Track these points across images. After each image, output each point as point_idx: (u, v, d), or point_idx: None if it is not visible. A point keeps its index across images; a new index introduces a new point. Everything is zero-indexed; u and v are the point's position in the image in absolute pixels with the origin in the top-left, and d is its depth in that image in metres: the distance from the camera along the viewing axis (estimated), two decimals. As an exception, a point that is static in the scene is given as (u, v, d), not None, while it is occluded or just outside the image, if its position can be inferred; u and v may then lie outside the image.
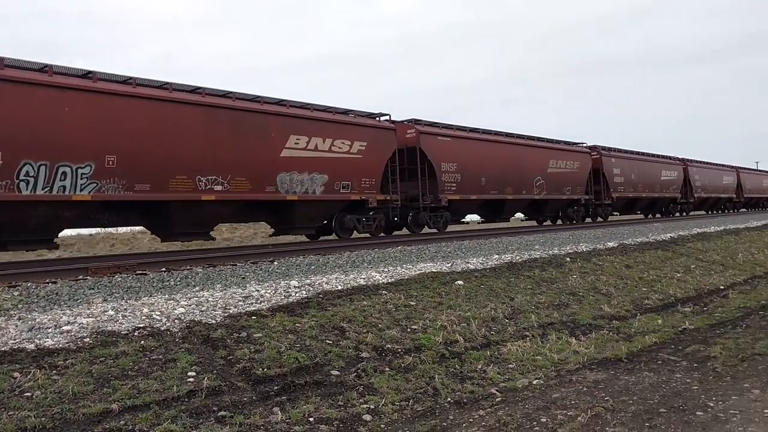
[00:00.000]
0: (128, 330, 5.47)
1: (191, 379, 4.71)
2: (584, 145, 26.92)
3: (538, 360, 6.15)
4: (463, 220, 21.31)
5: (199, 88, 12.74)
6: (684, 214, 35.03)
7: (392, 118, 17.59)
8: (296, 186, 14.07)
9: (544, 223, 25.48)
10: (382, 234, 17.42)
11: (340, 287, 7.70)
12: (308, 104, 15.02)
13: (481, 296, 8.20)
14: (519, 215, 25.26)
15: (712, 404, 4.66)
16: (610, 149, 28.46)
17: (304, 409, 4.56)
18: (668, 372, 5.70)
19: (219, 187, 12.54)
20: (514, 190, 21.40)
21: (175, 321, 5.83)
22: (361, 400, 4.85)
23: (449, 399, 5.05)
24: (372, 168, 16.12)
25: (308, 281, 7.98)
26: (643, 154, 31.38)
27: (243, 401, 4.59)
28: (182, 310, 6.22)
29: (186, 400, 4.45)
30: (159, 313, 6.03)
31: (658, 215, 33.63)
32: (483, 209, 21.99)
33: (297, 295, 7.17)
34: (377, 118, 17.05)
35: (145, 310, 6.10)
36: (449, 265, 10.00)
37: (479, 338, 6.68)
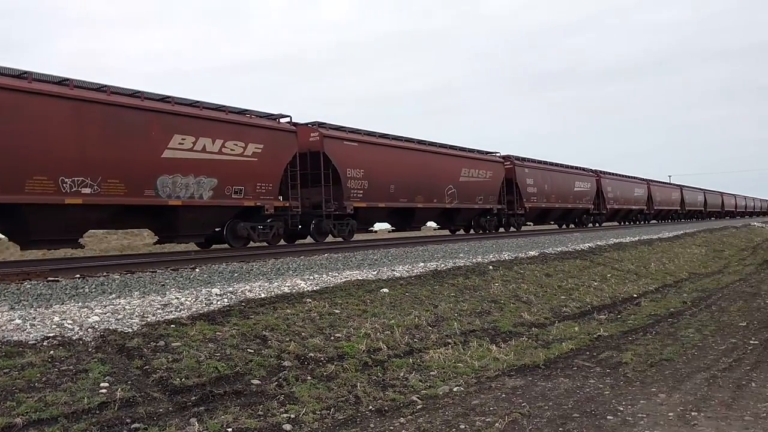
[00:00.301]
0: (36, 340, 5.22)
1: (103, 391, 4.54)
2: (498, 154, 26.81)
3: (459, 367, 6.24)
4: (371, 228, 20.76)
5: (68, 79, 11.61)
6: (597, 225, 35.99)
7: (294, 120, 16.66)
8: (180, 190, 12.99)
9: (457, 233, 25.53)
10: (283, 242, 16.96)
11: (263, 295, 7.59)
12: (198, 102, 14.00)
13: (405, 304, 8.26)
14: (431, 224, 25.20)
15: (621, 408, 4.85)
16: (523, 159, 28.60)
17: (222, 420, 4.47)
18: (583, 378, 5.89)
19: (87, 190, 11.34)
20: (425, 199, 21.04)
21: (89, 330, 5.60)
22: (281, 410, 4.79)
23: (371, 407, 5.05)
24: (269, 172, 15.19)
25: (230, 289, 7.83)
26: (556, 165, 31.90)
27: (159, 412, 4.45)
28: (96, 318, 5.98)
29: (97, 412, 4.28)
30: (71, 322, 5.78)
31: (571, 225, 34.32)
32: (393, 217, 21.55)
33: (218, 303, 7.03)
34: (277, 120, 16.09)
35: (56, 319, 5.84)
36: (375, 272, 10.04)
37: (402, 346, 6.72)
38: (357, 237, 19.92)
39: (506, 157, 27.42)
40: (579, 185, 33.42)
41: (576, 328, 8.33)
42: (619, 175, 40.22)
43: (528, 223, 30.70)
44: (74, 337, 5.37)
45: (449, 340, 7.14)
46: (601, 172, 36.79)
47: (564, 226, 33.98)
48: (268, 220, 15.52)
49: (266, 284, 8.39)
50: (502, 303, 9.34)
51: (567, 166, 33.12)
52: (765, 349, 6.95)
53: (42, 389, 4.44)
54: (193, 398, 4.73)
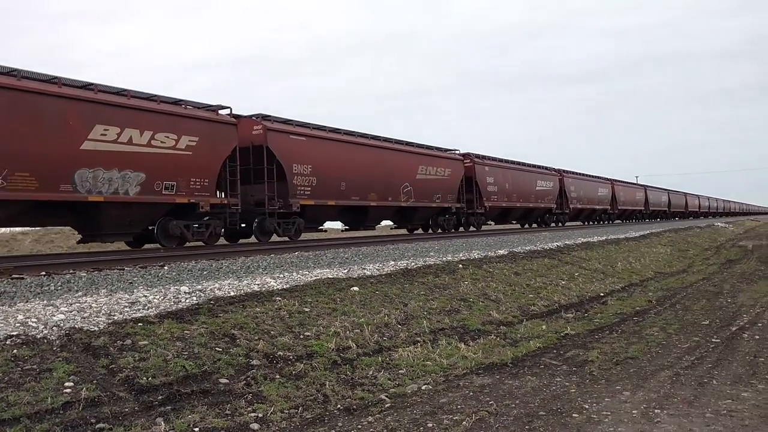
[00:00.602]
0: (-1, 338, 5.12)
1: (68, 390, 4.47)
2: (457, 152, 26.34)
3: (428, 365, 6.28)
4: (321, 228, 20.06)
5: None
6: (560, 224, 35.90)
7: (235, 112, 16.01)
8: (102, 185, 12.20)
9: (415, 232, 25.11)
10: (232, 241, 16.79)
11: (232, 293, 7.54)
12: (126, 90, 13.23)
13: (375, 302, 8.27)
14: (387, 223, 24.88)
15: (587, 406, 4.93)
16: (484, 157, 28.19)
17: (189, 419, 4.44)
18: (549, 376, 5.97)
19: (-10, 184, 10.40)
20: (379, 197, 20.43)
21: (54, 328, 5.51)
22: (249, 409, 4.78)
23: (339, 406, 5.06)
24: (205, 167, 14.40)
25: (199, 287, 7.77)
26: (518, 163, 31.67)
27: (124, 412, 4.41)
28: (62, 316, 5.89)
29: (61, 412, 4.22)
30: (35, 320, 5.69)
31: (534, 225, 34.25)
32: (344, 216, 20.88)
33: (187, 301, 6.97)
34: (215, 111, 15.34)
35: (20, 317, 5.74)
36: (346, 271, 10.04)
37: (372, 344, 6.74)
38: (307, 236, 19.41)
39: (466, 155, 26.93)
40: (541, 184, 33.26)
41: (544, 327, 8.44)
42: (583, 175, 40.30)
43: (489, 222, 30.42)
44: (38, 336, 5.29)
45: (418, 339, 7.18)
46: (564, 171, 36.76)
47: (527, 226, 33.85)
48: (205, 218, 14.83)
49: (236, 282, 8.34)
50: (472, 301, 9.41)
51: (529, 165, 32.97)
52: (726, 347, 7.11)
53: (4, 389, 4.36)
54: (160, 397, 4.69)
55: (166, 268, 9.55)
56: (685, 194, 71.21)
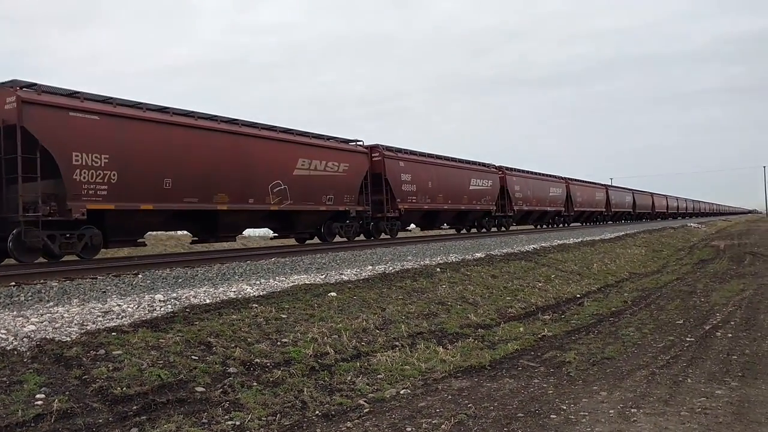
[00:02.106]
0: (-32, 351, 5.00)
1: (39, 402, 4.39)
2: (361, 143, 21.52)
3: (406, 370, 6.26)
4: (140, 239, 14.44)
5: None
6: (503, 228, 31.68)
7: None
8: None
9: (307, 242, 20.42)
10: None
11: (208, 301, 7.47)
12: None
13: (353, 307, 8.24)
14: (260, 232, 21.89)
15: (564, 407, 4.95)
16: (398, 150, 23.33)
17: (165, 429, 4.37)
18: (527, 378, 5.99)
19: None
20: (234, 198, 15.49)
21: (24, 339, 5.40)
22: (226, 417, 4.72)
23: (317, 412, 5.02)
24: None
25: (174, 295, 7.67)
26: (445, 158, 27.18)
27: (98, 423, 4.33)
28: (32, 327, 5.77)
29: (32, 425, 4.13)
30: (5, 332, 5.56)
31: (473, 230, 30.50)
32: (179, 222, 15.82)
33: (162, 309, 6.88)
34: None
35: (-11, 329, 5.61)
36: (323, 276, 9.99)
37: (350, 350, 6.71)
38: (113, 254, 15.48)
39: (373, 147, 22.11)
40: (477, 183, 28.78)
41: (521, 329, 8.47)
42: (530, 173, 35.90)
43: (408, 228, 26.16)
44: (8, 348, 5.17)
45: (397, 343, 7.17)
46: (507, 168, 32.58)
47: (463, 231, 30.26)
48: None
49: (211, 290, 8.26)
50: (449, 305, 9.42)
51: (461, 161, 28.32)
52: (700, 346, 7.20)
53: (-27, 402, 4.25)
54: (135, 408, 4.62)
55: (140, 276, 9.42)
56: (652, 194, 67.60)
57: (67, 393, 4.60)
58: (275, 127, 17.77)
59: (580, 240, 22.01)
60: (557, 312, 10.12)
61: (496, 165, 31.95)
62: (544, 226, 38.01)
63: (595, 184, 50.32)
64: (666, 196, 73.37)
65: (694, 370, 6.08)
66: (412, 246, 16.82)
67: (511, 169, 33.24)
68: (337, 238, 20.61)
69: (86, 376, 4.92)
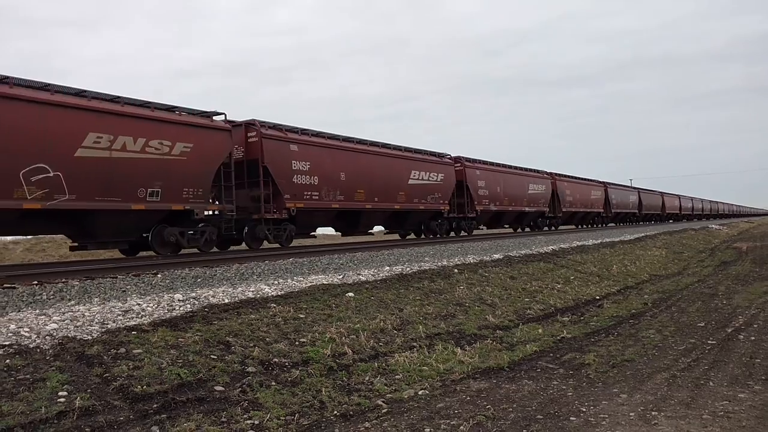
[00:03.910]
0: (-9, 348, 5.07)
1: (62, 399, 4.43)
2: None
3: (424, 370, 6.25)
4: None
5: None
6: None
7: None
8: None
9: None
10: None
11: (227, 300, 7.51)
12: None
13: (371, 308, 8.25)
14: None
15: (584, 409, 4.91)
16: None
17: (184, 427, 4.40)
18: (546, 379, 5.95)
19: None
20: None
21: (47, 338, 5.47)
22: (245, 416, 4.74)
23: (335, 412, 5.03)
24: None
25: (193, 294, 7.73)
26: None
27: (119, 421, 4.36)
28: (55, 325, 5.84)
29: (55, 421, 4.17)
30: (28, 330, 5.64)
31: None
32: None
33: (181, 308, 6.93)
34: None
35: (12, 327, 5.69)
36: (341, 277, 10.01)
37: (368, 350, 6.71)
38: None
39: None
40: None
41: (540, 330, 8.42)
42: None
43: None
44: (31, 345, 5.24)
45: (414, 344, 7.15)
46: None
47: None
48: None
49: (230, 289, 8.31)
50: (467, 306, 9.39)
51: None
52: (722, 349, 7.11)
53: (-3, 399, 4.31)
54: (155, 406, 4.65)
55: (159, 276, 9.50)
56: (662, 194, 64.73)
57: (88, 391, 4.64)
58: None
59: (599, 241, 21.83)
60: (576, 314, 10.05)
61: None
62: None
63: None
64: (679, 196, 70.72)
65: (716, 373, 6.00)
66: (430, 247, 16.79)
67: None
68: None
69: (107, 374, 4.96)
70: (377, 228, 23.66)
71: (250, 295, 7.96)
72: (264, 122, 16.91)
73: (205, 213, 15.03)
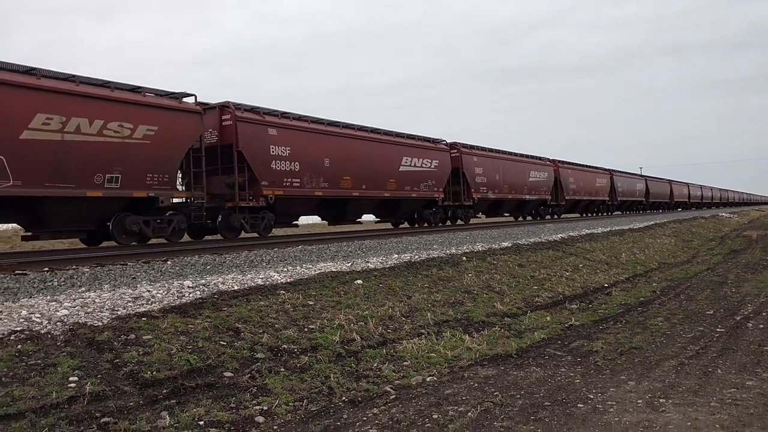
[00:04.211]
0: (3, 334, 5.12)
1: (72, 385, 4.48)
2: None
3: (432, 357, 6.27)
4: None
5: None
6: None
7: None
8: None
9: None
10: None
11: (236, 287, 7.54)
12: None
13: (379, 295, 8.27)
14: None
15: (592, 396, 4.92)
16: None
17: (194, 413, 4.44)
18: (554, 366, 5.96)
19: None
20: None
21: (57, 324, 5.52)
22: (254, 402, 4.78)
23: (344, 398, 5.06)
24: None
25: (203, 281, 7.77)
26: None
27: (129, 406, 4.40)
28: (65, 312, 5.90)
29: (66, 406, 4.22)
30: (39, 316, 5.69)
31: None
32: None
33: (191, 295, 6.97)
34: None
35: (24, 312, 5.74)
36: (349, 264, 10.03)
37: (376, 336, 6.74)
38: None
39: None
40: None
41: (548, 318, 8.42)
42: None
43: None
44: (42, 331, 5.29)
45: (422, 331, 7.17)
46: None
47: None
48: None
49: (239, 276, 8.34)
50: (476, 293, 9.40)
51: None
52: (731, 336, 7.09)
53: (9, 384, 4.36)
54: (165, 391, 4.69)
55: (169, 263, 9.55)
56: (670, 182, 62.92)
57: (99, 376, 4.69)
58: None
59: (608, 230, 21.75)
60: (585, 301, 10.04)
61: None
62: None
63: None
64: (688, 184, 69.64)
65: (725, 361, 5.99)
66: (438, 235, 16.78)
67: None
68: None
69: (117, 360, 5.01)
70: (367, 217, 22.82)
71: (260, 282, 7.99)
72: (240, 104, 16.12)
73: (172, 201, 14.25)
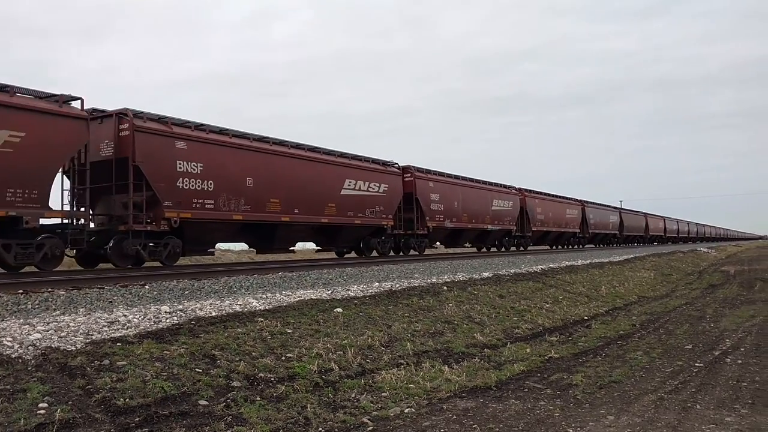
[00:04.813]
0: (-28, 357, 4.99)
1: (42, 411, 4.36)
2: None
3: (411, 388, 6.20)
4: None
5: None
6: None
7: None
8: None
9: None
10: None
11: (214, 313, 7.44)
12: None
13: (359, 324, 8.20)
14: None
15: (571, 430, 4.88)
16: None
17: (166, 442, 4.33)
18: (533, 399, 5.92)
19: None
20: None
21: (29, 348, 5.39)
22: (228, 431, 4.68)
23: (320, 429, 4.97)
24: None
25: (180, 307, 7.66)
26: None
27: (100, 434, 4.29)
28: (38, 335, 5.77)
29: (34, 434, 4.10)
30: (10, 339, 5.56)
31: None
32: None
33: (167, 321, 6.86)
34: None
35: (-5, 336, 5.61)
36: (330, 292, 9.96)
37: (355, 366, 6.66)
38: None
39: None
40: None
41: (528, 350, 8.39)
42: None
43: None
44: (13, 355, 5.16)
45: (402, 361, 7.11)
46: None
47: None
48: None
49: (218, 302, 8.24)
50: (456, 324, 9.36)
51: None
52: (709, 371, 7.11)
53: (-24, 410, 4.23)
54: (137, 419, 4.58)
55: (147, 287, 9.42)
56: (646, 215, 63.09)
57: (69, 403, 4.57)
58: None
59: (588, 262, 21.87)
60: (564, 334, 10.03)
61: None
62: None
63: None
64: (664, 218, 69.08)
65: (703, 396, 5.99)
66: (420, 264, 16.76)
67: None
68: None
69: (89, 386, 4.89)
70: (302, 245, 21.83)
71: (238, 308, 7.90)
72: (140, 112, 14.01)
73: (41, 222, 11.92)
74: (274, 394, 5.51)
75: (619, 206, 56.27)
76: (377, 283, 11.47)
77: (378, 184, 21.42)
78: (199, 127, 15.32)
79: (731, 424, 5.05)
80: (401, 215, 22.79)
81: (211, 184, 14.94)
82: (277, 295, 9.31)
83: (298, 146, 18.48)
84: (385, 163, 22.49)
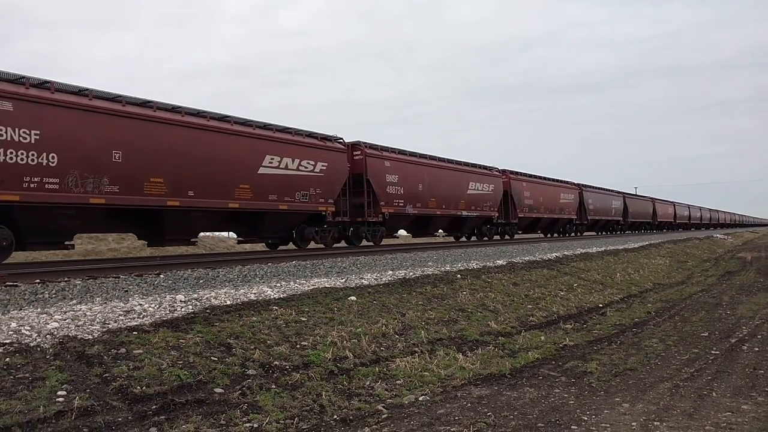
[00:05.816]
0: (-8, 346, 5.06)
1: (61, 399, 4.42)
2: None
3: (425, 376, 6.22)
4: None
5: None
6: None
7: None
8: None
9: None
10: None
11: (229, 302, 7.49)
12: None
13: (373, 312, 8.22)
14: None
15: (586, 418, 4.87)
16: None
17: (183, 429, 4.38)
18: (548, 387, 5.91)
19: None
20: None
21: (47, 336, 5.46)
22: (244, 419, 4.72)
23: (335, 416, 5.00)
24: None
25: (195, 296, 7.71)
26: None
27: (117, 421, 4.34)
28: (56, 324, 5.83)
29: (53, 421, 4.16)
30: (29, 328, 5.63)
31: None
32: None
33: (183, 309, 6.91)
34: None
35: (13, 325, 5.67)
36: (343, 280, 9.98)
37: (369, 354, 6.68)
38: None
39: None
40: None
41: (542, 338, 8.38)
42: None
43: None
44: (32, 344, 5.23)
45: (416, 349, 7.12)
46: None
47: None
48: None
49: (232, 291, 8.29)
50: (470, 312, 9.35)
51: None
52: (726, 359, 7.06)
53: (-4, 398, 4.30)
54: (154, 407, 4.63)
55: (162, 276, 9.49)
56: (653, 200, 58.20)
57: (87, 391, 4.63)
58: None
59: (602, 249, 21.76)
60: (579, 321, 10.00)
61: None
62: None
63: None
64: (674, 203, 65.09)
65: (719, 383, 5.95)
66: (433, 252, 16.75)
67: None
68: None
69: (107, 375, 4.95)
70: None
71: (252, 297, 7.94)
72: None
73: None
74: (289, 382, 5.54)
75: (621, 191, 51.97)
76: (391, 272, 11.48)
77: (313, 162, 17.73)
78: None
79: (748, 411, 5.02)
80: (349, 200, 19.60)
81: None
82: (292, 283, 9.34)
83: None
84: (324, 138, 18.82)
